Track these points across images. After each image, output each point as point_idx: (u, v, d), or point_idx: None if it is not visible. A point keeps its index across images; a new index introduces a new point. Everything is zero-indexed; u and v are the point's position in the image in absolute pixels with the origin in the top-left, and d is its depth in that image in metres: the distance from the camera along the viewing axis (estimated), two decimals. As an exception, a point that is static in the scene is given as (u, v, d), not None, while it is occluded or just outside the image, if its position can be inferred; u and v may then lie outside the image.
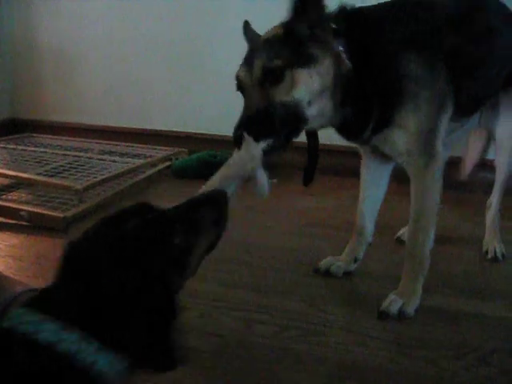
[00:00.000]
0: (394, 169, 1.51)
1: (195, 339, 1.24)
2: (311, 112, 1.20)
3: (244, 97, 1.21)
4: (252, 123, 1.13)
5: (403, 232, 1.79)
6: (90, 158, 2.67)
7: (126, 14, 3.06)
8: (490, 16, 1.47)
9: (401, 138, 1.29)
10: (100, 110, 3.21)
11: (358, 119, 1.28)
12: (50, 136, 3.14)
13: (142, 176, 2.46)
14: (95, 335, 0.67)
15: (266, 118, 1.14)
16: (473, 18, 1.41)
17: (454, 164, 1.44)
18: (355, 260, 1.58)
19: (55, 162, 2.55)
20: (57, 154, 2.71)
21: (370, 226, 1.56)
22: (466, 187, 2.09)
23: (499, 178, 1.74)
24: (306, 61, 1.17)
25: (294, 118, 1.17)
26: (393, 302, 1.36)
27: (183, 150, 2.86)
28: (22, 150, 2.79)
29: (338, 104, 1.24)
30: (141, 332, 0.71)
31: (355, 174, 1.58)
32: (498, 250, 1.72)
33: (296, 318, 1.34)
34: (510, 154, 1.67)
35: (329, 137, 1.40)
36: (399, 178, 1.47)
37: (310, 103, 1.19)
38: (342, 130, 1.34)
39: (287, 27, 1.19)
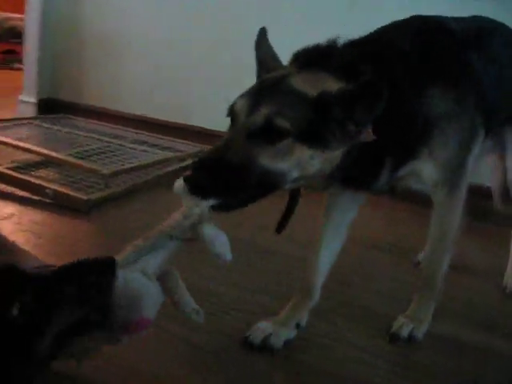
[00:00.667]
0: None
1: (200, 337, 1.24)
2: (293, 183, 1.03)
3: (228, 130, 1.02)
4: (211, 174, 0.94)
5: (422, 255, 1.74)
6: (121, 145, 2.69)
7: (171, 3, 3.08)
8: (502, 39, 1.44)
9: (429, 169, 1.22)
10: (137, 100, 3.23)
11: (367, 173, 1.13)
12: (85, 119, 3.19)
13: (168, 169, 2.47)
14: None
15: (234, 174, 0.94)
16: (486, 40, 1.37)
17: (475, 192, 1.40)
18: (297, 326, 1.29)
19: (87, 145, 2.59)
20: (89, 137, 2.75)
21: (318, 286, 1.34)
22: (490, 217, 2.06)
23: None
24: (318, 143, 0.98)
25: (270, 185, 0.99)
26: (404, 326, 1.33)
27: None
28: (57, 130, 2.83)
29: (335, 171, 1.05)
30: None
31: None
32: None
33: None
34: None
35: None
36: (422, 201, 1.43)
37: (296, 179, 1.01)
38: (347, 183, 1.17)
39: (323, 97, 0.97)
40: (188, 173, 0.93)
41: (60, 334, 0.73)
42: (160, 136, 2.97)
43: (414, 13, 1.30)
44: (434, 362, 1.26)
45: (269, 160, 0.95)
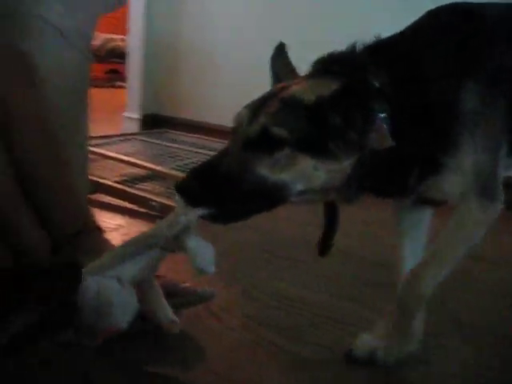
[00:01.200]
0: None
1: (303, 347, 1.24)
2: (301, 196, 0.95)
3: (228, 146, 0.96)
4: (203, 182, 0.89)
5: None
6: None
7: (267, 20, 3.12)
8: None
9: (455, 181, 1.03)
10: (233, 112, 3.28)
11: (393, 182, 1.02)
12: (185, 133, 3.28)
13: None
14: None
15: (227, 183, 0.89)
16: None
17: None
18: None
19: (188, 158, 2.66)
20: (190, 151, 2.83)
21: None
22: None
23: None
24: (320, 153, 0.91)
25: (273, 197, 0.92)
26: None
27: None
28: (159, 144, 2.94)
29: (351, 182, 0.96)
30: None
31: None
32: None
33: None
34: None
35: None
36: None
37: (302, 192, 0.94)
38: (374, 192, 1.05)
39: (318, 102, 0.90)
40: (179, 181, 0.90)
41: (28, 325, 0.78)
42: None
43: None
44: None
45: (267, 170, 0.89)
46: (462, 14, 1.09)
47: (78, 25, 1.09)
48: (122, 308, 0.92)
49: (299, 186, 0.92)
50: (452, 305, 1.49)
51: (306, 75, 1.01)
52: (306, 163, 0.90)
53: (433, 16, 1.09)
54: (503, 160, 1.09)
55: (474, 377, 1.18)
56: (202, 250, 0.91)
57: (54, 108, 1.05)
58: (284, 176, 0.90)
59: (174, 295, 1.20)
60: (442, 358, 1.24)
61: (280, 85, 1.01)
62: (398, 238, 1.23)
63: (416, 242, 1.21)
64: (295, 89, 0.94)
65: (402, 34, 1.06)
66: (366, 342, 1.18)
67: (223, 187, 0.88)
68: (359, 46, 1.01)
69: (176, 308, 1.23)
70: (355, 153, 0.92)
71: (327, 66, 0.99)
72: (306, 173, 0.91)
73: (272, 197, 0.92)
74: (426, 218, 1.23)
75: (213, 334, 1.26)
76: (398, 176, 1.00)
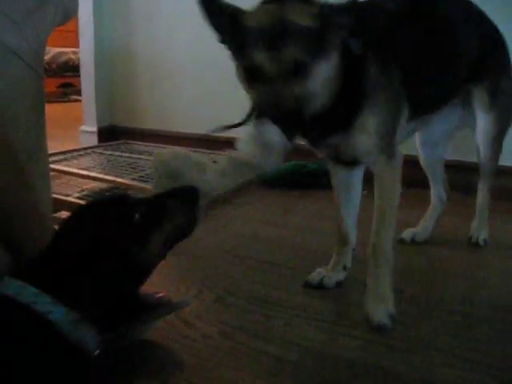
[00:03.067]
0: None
1: (278, 348, 1.24)
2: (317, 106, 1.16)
3: (258, 84, 1.13)
4: (281, 117, 1.08)
5: (408, 231, 1.90)
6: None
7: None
8: (443, 8, 1.50)
9: (361, 139, 1.28)
10: (193, 118, 3.28)
11: (331, 117, 1.23)
12: (145, 143, 3.26)
13: (232, 184, 2.48)
14: (53, 292, 0.82)
15: (295, 112, 1.10)
16: (422, 12, 1.45)
17: None
18: (344, 268, 1.56)
19: (149, 168, 2.63)
20: (150, 160, 2.79)
21: (353, 232, 1.55)
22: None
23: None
24: (328, 55, 1.12)
25: (305, 111, 1.14)
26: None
27: (272, 159, 2.86)
28: (118, 155, 2.91)
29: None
30: (88, 292, 0.85)
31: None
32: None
33: (383, 334, 1.31)
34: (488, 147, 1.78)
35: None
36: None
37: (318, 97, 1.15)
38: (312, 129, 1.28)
39: (325, 17, 1.10)
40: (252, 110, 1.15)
41: (166, 238, 0.97)
42: (219, 152, 2.99)
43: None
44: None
45: (304, 88, 1.10)
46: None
47: (29, 41, 1.07)
48: None
49: (323, 93, 1.15)
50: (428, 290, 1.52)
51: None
52: (324, 69, 1.11)
53: None
54: (403, 124, 1.36)
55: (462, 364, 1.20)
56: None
57: (12, 130, 1.03)
58: (314, 87, 1.11)
59: (150, 306, 1.19)
60: (423, 348, 1.26)
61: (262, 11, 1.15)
62: (335, 192, 1.53)
63: (350, 202, 1.52)
64: (290, 16, 1.09)
65: None
66: (318, 272, 1.55)
67: (298, 116, 1.12)
68: None
69: (152, 320, 1.23)
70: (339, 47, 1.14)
71: None
72: (324, 78, 1.13)
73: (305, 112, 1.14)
74: (356, 182, 1.52)
75: (189, 342, 1.24)
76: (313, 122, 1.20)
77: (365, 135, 1.27)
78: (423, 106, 1.49)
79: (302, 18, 1.09)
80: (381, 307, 1.33)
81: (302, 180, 2.56)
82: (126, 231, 0.90)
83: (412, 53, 1.38)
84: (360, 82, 1.23)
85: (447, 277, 1.65)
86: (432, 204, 1.95)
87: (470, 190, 2.00)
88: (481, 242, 1.87)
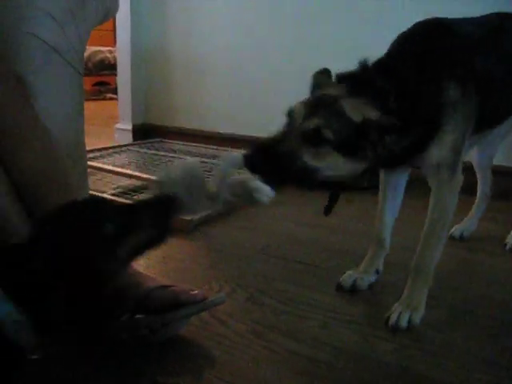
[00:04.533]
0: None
1: (310, 348, 1.23)
2: (328, 178, 1.21)
3: (283, 126, 1.23)
4: (265, 157, 1.16)
5: (455, 228, 1.97)
6: (216, 164, 2.74)
7: (254, 26, 3.13)
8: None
9: (436, 154, 1.33)
10: (226, 118, 3.30)
11: (399, 157, 1.31)
12: (178, 142, 3.28)
13: (265, 184, 2.49)
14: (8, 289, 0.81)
15: (282, 162, 1.16)
16: (497, 39, 1.52)
17: None
18: (377, 272, 1.59)
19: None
20: (185, 159, 2.82)
21: (388, 237, 1.58)
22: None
23: None
24: (352, 155, 1.19)
25: (307, 177, 1.19)
26: (401, 315, 1.35)
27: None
28: (153, 154, 2.94)
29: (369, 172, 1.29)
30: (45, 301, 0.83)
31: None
32: None
33: (416, 338, 1.29)
34: None
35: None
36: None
37: (330, 177, 1.20)
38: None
39: (365, 123, 1.17)
40: (248, 151, 1.15)
41: (135, 246, 0.94)
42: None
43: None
44: None
45: (309, 158, 1.16)
46: (440, 28, 1.41)
47: (71, 40, 1.08)
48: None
49: (328, 173, 1.19)
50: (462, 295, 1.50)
51: (341, 88, 1.24)
52: (338, 159, 1.17)
53: (419, 29, 1.40)
54: (467, 140, 1.42)
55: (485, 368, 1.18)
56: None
57: (51, 126, 1.05)
58: (320, 164, 1.17)
59: (186, 303, 1.21)
60: (452, 351, 1.24)
61: (327, 92, 1.26)
62: (381, 197, 1.57)
63: (393, 208, 1.57)
64: (345, 105, 1.19)
65: (399, 52, 1.36)
66: (349, 274, 1.57)
67: (278, 164, 1.16)
68: (369, 66, 1.27)
69: (188, 317, 1.24)
70: (378, 157, 1.21)
71: (356, 85, 1.23)
72: (336, 165, 1.18)
73: (307, 176, 1.18)
74: (400, 189, 1.57)
75: (221, 340, 1.25)
76: (402, 157, 1.32)
77: (441, 151, 1.33)
78: (488, 121, 1.55)
79: (353, 111, 1.18)
80: (405, 312, 1.36)
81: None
82: (95, 242, 0.88)
83: (487, 73, 1.44)
84: (440, 103, 1.31)
85: (482, 282, 1.62)
86: (478, 200, 2.03)
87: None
88: None
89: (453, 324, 1.37)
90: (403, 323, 1.34)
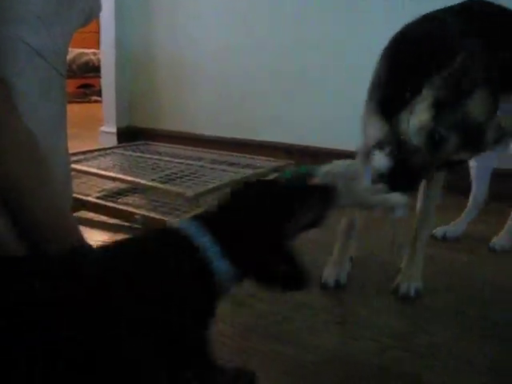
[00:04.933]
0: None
1: (296, 349, 1.24)
2: None
3: (424, 148, 1.29)
4: (411, 187, 1.32)
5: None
6: (201, 166, 2.74)
7: (240, 28, 3.13)
8: None
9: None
10: (212, 121, 3.30)
11: None
12: (164, 144, 3.27)
13: (250, 186, 2.49)
14: (226, 247, 0.82)
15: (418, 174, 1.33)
16: None
17: None
18: (351, 259, 1.64)
19: (169, 169, 2.65)
20: (170, 161, 2.81)
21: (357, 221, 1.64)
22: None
23: None
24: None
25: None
26: (410, 286, 1.53)
27: (291, 162, 2.87)
28: (138, 156, 2.92)
29: None
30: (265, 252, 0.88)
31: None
32: None
33: (403, 338, 1.30)
34: None
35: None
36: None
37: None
38: None
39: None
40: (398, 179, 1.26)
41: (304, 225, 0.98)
42: (239, 154, 3.00)
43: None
44: None
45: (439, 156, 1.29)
46: None
47: (55, 42, 1.07)
48: None
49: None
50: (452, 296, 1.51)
51: None
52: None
53: None
54: None
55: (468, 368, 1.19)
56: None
57: (34, 129, 1.04)
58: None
59: None
60: (439, 352, 1.25)
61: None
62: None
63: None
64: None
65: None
66: (329, 273, 1.59)
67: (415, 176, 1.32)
68: None
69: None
70: None
71: None
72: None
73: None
74: None
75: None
76: None
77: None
78: None
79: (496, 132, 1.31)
80: (410, 282, 1.53)
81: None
82: (288, 212, 0.94)
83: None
84: None
85: (472, 283, 1.63)
86: (469, 206, 2.06)
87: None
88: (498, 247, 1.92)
89: (441, 325, 1.37)
90: (412, 293, 1.51)
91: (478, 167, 2.00)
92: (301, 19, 2.93)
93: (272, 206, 0.92)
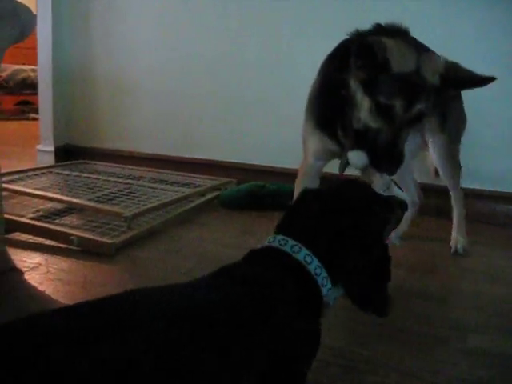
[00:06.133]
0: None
1: None
2: None
3: (382, 120, 1.33)
4: (397, 162, 1.35)
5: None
6: (140, 185, 2.72)
7: (178, 45, 3.14)
8: None
9: None
10: (152, 139, 3.28)
11: None
12: (103, 163, 3.23)
13: (190, 205, 2.49)
14: (326, 267, 0.86)
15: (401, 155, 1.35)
16: None
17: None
18: None
19: (107, 188, 2.61)
20: (109, 180, 2.78)
21: None
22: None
23: None
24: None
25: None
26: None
27: (232, 180, 2.88)
28: (76, 176, 2.87)
29: None
30: (362, 274, 0.90)
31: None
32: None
33: (339, 354, 1.31)
34: None
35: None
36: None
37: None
38: None
39: (445, 76, 1.33)
40: (381, 162, 1.35)
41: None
42: (179, 172, 2.99)
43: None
44: (477, 378, 1.23)
45: (407, 133, 1.37)
46: None
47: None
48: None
49: None
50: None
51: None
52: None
53: None
54: None
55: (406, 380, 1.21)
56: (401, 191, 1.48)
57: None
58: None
59: None
60: (370, 365, 1.26)
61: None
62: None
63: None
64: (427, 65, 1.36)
65: None
66: None
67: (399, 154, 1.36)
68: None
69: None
70: None
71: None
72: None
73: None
74: None
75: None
76: None
77: None
78: None
79: (433, 76, 1.31)
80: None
81: (260, 201, 2.56)
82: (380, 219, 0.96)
83: None
84: None
85: (406, 297, 1.66)
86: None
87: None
88: (460, 250, 2.08)
89: (377, 340, 1.39)
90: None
91: (399, 175, 2.13)
92: (238, 37, 2.96)
93: (373, 223, 0.94)
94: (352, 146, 1.42)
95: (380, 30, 1.38)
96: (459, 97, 2.00)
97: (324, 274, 0.85)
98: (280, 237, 0.89)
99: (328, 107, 1.52)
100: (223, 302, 0.74)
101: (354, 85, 1.36)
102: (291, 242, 0.87)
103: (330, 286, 0.86)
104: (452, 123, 1.97)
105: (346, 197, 0.96)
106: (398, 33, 1.36)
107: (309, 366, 0.85)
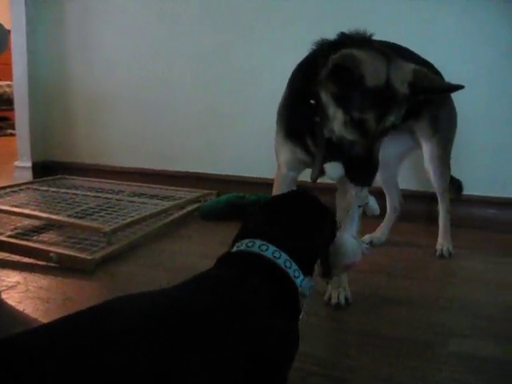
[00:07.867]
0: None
1: None
2: None
3: (356, 133, 1.32)
4: (372, 173, 1.35)
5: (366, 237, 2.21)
6: (119, 199, 2.70)
7: (156, 59, 3.14)
8: None
9: None
10: (130, 152, 3.26)
11: None
12: (81, 178, 3.21)
13: (170, 218, 2.48)
14: (295, 260, 0.91)
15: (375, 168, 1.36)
16: None
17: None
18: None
19: (86, 203, 2.59)
20: (87, 195, 2.76)
21: None
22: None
23: None
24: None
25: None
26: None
27: (211, 191, 2.88)
28: (54, 191, 2.85)
29: None
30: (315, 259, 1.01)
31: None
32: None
33: (324, 365, 1.31)
34: None
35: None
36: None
37: None
38: None
39: (414, 85, 1.32)
40: (356, 174, 1.36)
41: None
42: (158, 186, 2.98)
43: None
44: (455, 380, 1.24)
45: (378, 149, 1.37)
46: None
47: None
48: (352, 252, 1.20)
49: None
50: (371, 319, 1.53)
51: None
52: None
53: None
54: None
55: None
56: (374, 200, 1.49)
57: None
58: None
59: None
60: (354, 374, 1.26)
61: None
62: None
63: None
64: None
65: None
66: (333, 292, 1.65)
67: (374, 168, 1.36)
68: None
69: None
70: None
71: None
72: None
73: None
74: None
75: None
76: None
77: None
78: None
79: (402, 85, 1.30)
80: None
81: (241, 211, 2.56)
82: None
83: None
84: None
85: (387, 304, 1.67)
86: (388, 213, 2.28)
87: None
88: (445, 253, 2.13)
89: (360, 348, 1.39)
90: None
91: (383, 180, 2.24)
92: (216, 50, 2.97)
93: (320, 221, 1.03)
94: (326, 157, 1.42)
95: (346, 39, 1.37)
96: (450, 99, 2.03)
97: (294, 266, 0.90)
98: (246, 240, 0.93)
99: (297, 118, 1.52)
100: (197, 304, 0.77)
101: (325, 97, 1.35)
102: (258, 242, 0.91)
103: (302, 276, 0.91)
104: (443, 126, 2.02)
105: (290, 201, 1.05)
106: (363, 41, 1.35)
107: (288, 367, 0.88)
